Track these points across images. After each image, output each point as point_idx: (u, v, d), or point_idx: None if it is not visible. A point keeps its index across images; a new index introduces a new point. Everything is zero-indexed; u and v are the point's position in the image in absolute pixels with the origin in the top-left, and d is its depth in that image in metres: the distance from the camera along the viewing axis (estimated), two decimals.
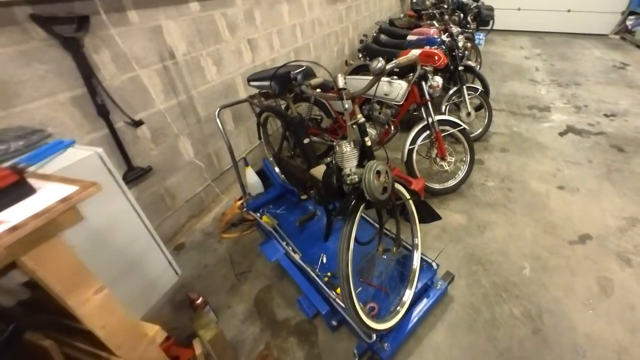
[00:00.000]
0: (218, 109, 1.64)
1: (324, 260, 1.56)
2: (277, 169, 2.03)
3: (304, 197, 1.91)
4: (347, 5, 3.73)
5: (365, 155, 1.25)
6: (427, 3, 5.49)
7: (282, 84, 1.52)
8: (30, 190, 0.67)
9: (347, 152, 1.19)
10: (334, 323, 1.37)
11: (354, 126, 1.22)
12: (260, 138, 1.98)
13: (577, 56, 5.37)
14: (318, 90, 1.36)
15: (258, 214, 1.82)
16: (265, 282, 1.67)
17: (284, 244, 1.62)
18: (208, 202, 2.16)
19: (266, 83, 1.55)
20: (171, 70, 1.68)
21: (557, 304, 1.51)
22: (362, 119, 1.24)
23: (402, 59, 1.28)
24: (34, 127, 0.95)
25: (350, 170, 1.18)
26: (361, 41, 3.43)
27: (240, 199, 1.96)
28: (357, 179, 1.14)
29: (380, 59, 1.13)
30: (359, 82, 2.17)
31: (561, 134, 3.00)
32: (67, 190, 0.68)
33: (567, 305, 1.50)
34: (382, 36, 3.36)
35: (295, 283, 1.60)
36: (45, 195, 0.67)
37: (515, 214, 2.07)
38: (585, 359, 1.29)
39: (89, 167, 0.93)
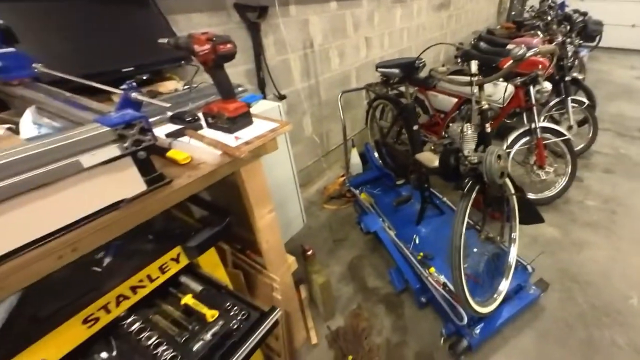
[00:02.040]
0: (341, 93, 1.72)
1: (417, 241, 1.53)
2: (376, 154, 2.05)
3: (399, 182, 1.90)
4: (449, 13, 3.50)
5: (482, 141, 1.19)
6: (526, 15, 4.83)
7: (407, 71, 1.53)
8: (251, 121, 0.81)
9: (469, 134, 1.14)
10: (423, 300, 1.33)
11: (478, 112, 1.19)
12: (366, 123, 2.01)
13: None
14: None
15: (357, 191, 1.87)
16: (358, 252, 1.70)
17: (380, 219, 1.64)
18: (314, 175, 2.26)
19: (393, 70, 1.58)
20: (309, 57, 1.80)
21: None
22: (487, 105, 1.19)
23: (543, 48, 1.16)
24: (236, 82, 1.13)
25: (470, 152, 1.14)
26: (457, 48, 3.19)
27: (342, 175, 2.04)
28: (476, 160, 1.09)
29: (523, 45, 1.06)
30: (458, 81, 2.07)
31: None
32: (272, 124, 0.80)
33: None
34: (482, 44, 3.07)
35: (384, 257, 1.61)
36: (259, 127, 0.80)
37: (621, 239, 1.73)
38: None
39: (273, 115, 1.07)
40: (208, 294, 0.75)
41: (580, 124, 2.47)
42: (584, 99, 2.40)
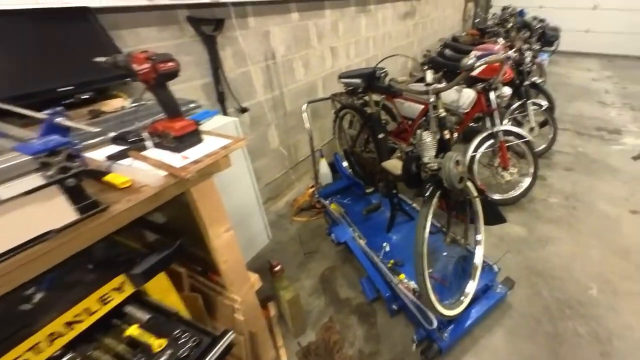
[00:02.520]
0: (305, 104, 1.77)
1: (387, 249, 1.58)
2: (345, 163, 2.11)
3: (369, 190, 1.96)
4: (415, 21, 3.73)
5: (442, 147, 1.28)
6: (490, 22, 5.25)
7: (369, 81, 1.62)
8: (200, 139, 0.83)
9: (428, 141, 1.22)
10: (395, 307, 1.38)
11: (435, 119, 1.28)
12: (334, 133, 2.08)
13: None
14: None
15: (327, 202, 1.91)
16: (330, 263, 1.73)
17: (350, 229, 1.68)
18: (283, 188, 2.29)
19: (355, 80, 1.66)
20: (271, 68, 1.85)
21: (630, 330, 1.35)
22: (444, 113, 1.28)
23: (491, 58, 1.29)
24: (188, 98, 1.14)
25: (430, 158, 1.22)
26: (424, 55, 3.40)
27: (312, 187, 2.07)
28: (436, 167, 1.17)
29: (472, 55, 1.17)
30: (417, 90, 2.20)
31: (635, 158, 2.66)
32: (224, 141, 0.82)
33: None
34: (447, 51, 3.29)
35: (356, 267, 1.65)
36: (209, 144, 0.82)
37: (581, 234, 1.89)
38: None
39: (228, 131, 1.09)
40: (156, 323, 0.74)
41: (542, 125, 2.70)
42: (544, 102, 2.63)
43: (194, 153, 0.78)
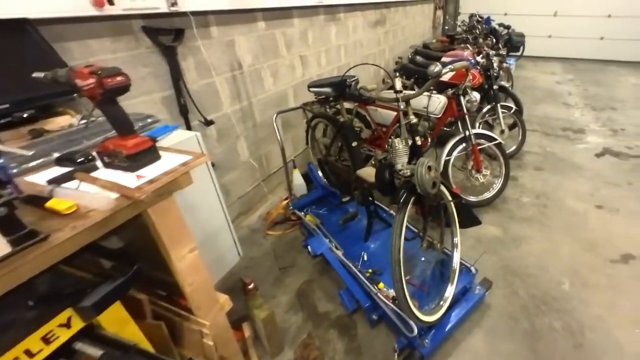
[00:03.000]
0: (275, 114, 1.79)
1: (365, 258, 1.61)
2: (320, 173, 2.14)
3: (345, 199, 1.99)
4: (385, 29, 3.92)
5: (414, 153, 1.34)
6: (459, 29, 5.63)
7: (339, 90, 1.66)
8: (157, 157, 0.82)
9: (400, 149, 1.27)
10: (375, 317, 1.40)
11: (407, 126, 1.33)
12: (307, 143, 2.11)
13: (612, 82, 5.20)
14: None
15: (302, 213, 1.92)
16: (307, 277, 1.73)
17: (327, 240, 1.69)
18: (255, 201, 2.28)
19: (325, 89, 1.70)
20: (238, 79, 1.87)
21: (600, 321, 1.45)
22: (415, 120, 1.34)
23: (456, 64, 1.38)
24: (145, 113, 1.12)
25: (402, 165, 1.27)
26: (396, 62, 3.57)
27: (286, 199, 2.08)
28: (409, 173, 1.22)
29: (438, 63, 1.24)
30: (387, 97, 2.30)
31: (597, 156, 2.92)
32: (184, 158, 0.82)
33: (611, 323, 1.44)
34: (418, 57, 3.48)
35: (335, 279, 1.66)
36: (168, 161, 0.81)
37: (552, 230, 2.03)
38: None
39: (189, 147, 1.08)
40: (111, 358, 0.71)
41: (511, 127, 2.90)
42: (512, 105, 2.83)
43: (150, 172, 0.77)
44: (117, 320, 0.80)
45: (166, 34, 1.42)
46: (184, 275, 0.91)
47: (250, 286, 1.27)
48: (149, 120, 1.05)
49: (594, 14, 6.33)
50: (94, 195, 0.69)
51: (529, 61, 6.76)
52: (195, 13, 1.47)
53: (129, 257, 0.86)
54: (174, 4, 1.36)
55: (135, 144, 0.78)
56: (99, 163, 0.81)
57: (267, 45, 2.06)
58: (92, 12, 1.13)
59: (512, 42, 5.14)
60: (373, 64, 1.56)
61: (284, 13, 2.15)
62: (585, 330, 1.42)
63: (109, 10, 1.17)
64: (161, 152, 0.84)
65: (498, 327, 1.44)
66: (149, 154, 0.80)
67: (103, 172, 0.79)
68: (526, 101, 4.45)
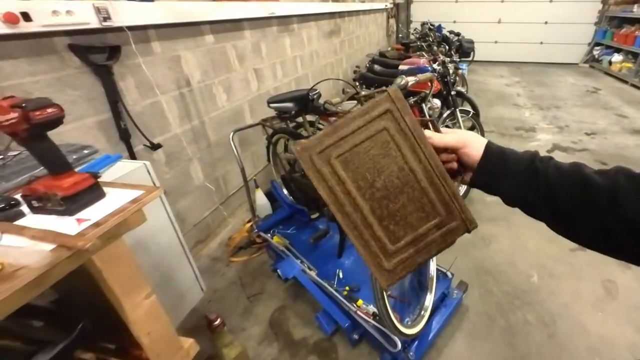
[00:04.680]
0: (232, 133, 1.79)
1: (341, 276, 1.64)
2: (285, 191, 2.16)
3: (314, 216, 2.02)
4: (340, 39, 4.14)
5: None
6: (412, 37, 6.14)
7: (301, 104, 1.72)
8: (101, 194, 0.78)
9: None
10: (356, 337, 1.42)
11: None
12: (269, 160, 2.12)
13: (554, 83, 6.02)
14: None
15: (269, 235, 1.91)
16: (279, 303, 1.72)
17: (298, 262, 1.70)
18: (214, 227, 2.22)
19: (286, 104, 1.74)
20: (187, 97, 1.85)
21: (567, 308, 1.63)
22: None
23: (422, 76, 1.51)
24: (80, 144, 1.06)
25: None
26: (354, 72, 3.77)
27: (249, 221, 2.05)
28: None
29: (404, 75, 1.36)
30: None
31: (549, 152, 3.33)
32: (134, 193, 0.79)
33: (577, 309, 1.63)
34: (376, 66, 3.72)
35: (310, 302, 1.67)
36: (115, 198, 0.78)
37: (517, 227, 2.25)
38: (601, 359, 1.40)
39: (138, 178, 1.04)
40: None
41: (470, 130, 3.19)
42: (469, 109, 3.12)
43: (93, 213, 0.73)
44: None
45: (99, 52, 1.37)
46: (139, 325, 0.86)
47: (216, 322, 1.23)
48: (86, 151, 1.00)
49: (533, 21, 7.38)
50: (23, 249, 0.64)
51: (480, 66, 7.56)
52: (132, 28, 1.44)
53: (69, 314, 0.79)
54: (107, 18, 1.33)
55: (73, 184, 0.73)
56: (25, 208, 0.75)
57: (218, 59, 2.07)
58: (3, 29, 1.05)
59: (463, 48, 5.74)
60: (337, 79, 1.65)
61: (234, 25, 2.19)
62: (556, 319, 1.58)
63: (24, 27, 1.09)
64: (105, 189, 0.81)
65: (477, 328, 1.55)
66: (91, 193, 0.76)
67: (32, 219, 0.73)
68: (481, 104, 4.92)
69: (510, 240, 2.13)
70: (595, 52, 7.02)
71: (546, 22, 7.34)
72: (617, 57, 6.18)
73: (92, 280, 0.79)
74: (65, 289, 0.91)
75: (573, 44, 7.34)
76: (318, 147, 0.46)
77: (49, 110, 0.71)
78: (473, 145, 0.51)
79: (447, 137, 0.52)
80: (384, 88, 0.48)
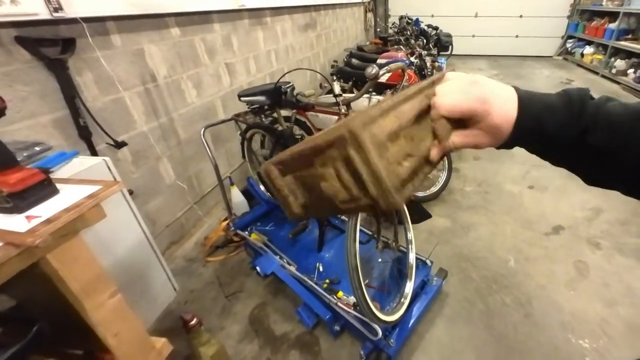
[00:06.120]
0: (203, 129, 1.78)
1: (321, 269, 1.66)
2: (262, 187, 2.16)
3: None
4: (317, 33, 4.17)
5: None
6: (390, 31, 6.25)
7: (273, 97, 1.72)
8: (54, 190, 0.76)
9: None
10: (337, 328, 1.45)
11: None
12: (244, 157, 2.11)
13: (530, 75, 6.28)
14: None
15: (246, 233, 1.90)
16: (258, 300, 1.72)
17: (277, 257, 1.70)
18: (189, 227, 2.19)
19: (258, 98, 1.74)
20: (153, 92, 1.81)
21: (542, 289, 1.72)
22: None
23: (393, 66, 1.55)
24: (32, 140, 1.02)
25: None
26: (332, 66, 3.81)
27: (225, 219, 2.04)
28: None
29: (374, 65, 1.39)
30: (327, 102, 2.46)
31: None
32: (91, 189, 0.78)
33: (551, 289, 1.72)
34: (354, 60, 3.77)
35: (290, 297, 1.68)
36: (70, 195, 0.76)
37: (495, 214, 2.34)
38: (574, 334, 1.48)
39: (97, 175, 1.01)
40: None
41: None
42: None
43: (45, 210, 0.72)
44: None
45: (51, 45, 1.32)
46: (105, 326, 0.85)
47: (192, 322, 1.22)
48: (37, 148, 0.97)
49: (509, 15, 7.67)
50: None
51: (458, 59, 7.79)
52: (88, 19, 1.41)
53: (25, 317, 0.77)
54: (58, 9, 1.28)
55: (20, 179, 0.72)
56: None
57: (185, 53, 2.04)
58: None
59: (441, 42, 5.91)
60: (308, 69, 1.67)
61: (202, 18, 2.16)
62: (532, 300, 1.66)
63: None
64: (59, 185, 0.79)
65: (457, 313, 1.61)
66: (42, 189, 0.75)
67: None
68: None
69: (488, 228, 2.22)
70: (568, 45, 7.38)
71: (521, 16, 7.64)
72: (588, 49, 6.52)
73: (52, 283, 0.77)
74: (24, 294, 0.89)
75: (547, 37, 7.68)
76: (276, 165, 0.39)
77: None
78: (502, 112, 0.37)
79: (461, 105, 0.37)
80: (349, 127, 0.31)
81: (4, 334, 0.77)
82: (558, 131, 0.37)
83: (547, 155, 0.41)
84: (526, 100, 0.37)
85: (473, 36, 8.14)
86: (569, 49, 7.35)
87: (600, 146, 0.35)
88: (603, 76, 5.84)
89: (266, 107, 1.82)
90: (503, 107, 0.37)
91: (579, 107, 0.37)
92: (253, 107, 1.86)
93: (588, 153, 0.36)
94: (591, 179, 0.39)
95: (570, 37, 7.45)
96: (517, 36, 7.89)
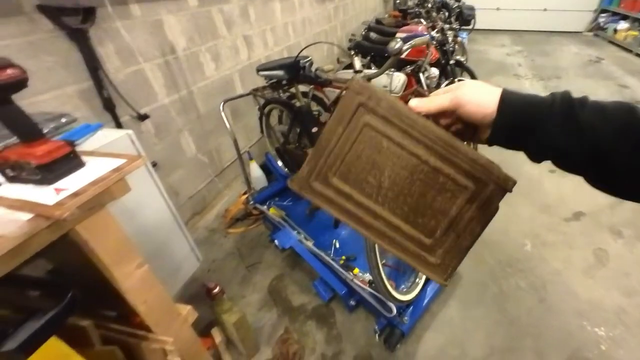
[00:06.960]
0: (222, 103, 1.71)
1: (337, 246, 1.65)
2: (279, 163, 2.11)
3: None
4: (335, 4, 3.90)
5: None
6: (410, 3, 5.83)
7: (292, 72, 1.63)
8: (80, 163, 0.74)
9: None
10: (353, 303, 1.45)
11: None
12: (262, 132, 2.06)
13: (556, 52, 5.81)
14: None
15: (265, 207, 1.89)
16: (277, 272, 1.74)
17: (294, 232, 1.69)
18: (210, 199, 2.20)
19: (276, 72, 1.65)
20: (172, 65, 1.74)
21: (558, 275, 1.67)
22: None
23: (418, 40, 1.42)
24: (59, 111, 0.99)
25: None
26: (350, 40, 3.60)
27: (244, 193, 2.03)
28: None
29: (398, 39, 1.27)
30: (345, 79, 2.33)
31: None
32: (116, 162, 0.75)
33: (568, 275, 1.66)
34: (372, 34, 3.54)
35: (307, 271, 1.69)
36: (95, 168, 0.73)
37: (512, 196, 2.18)
38: (589, 321, 1.44)
39: (121, 148, 0.99)
40: None
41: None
42: (469, 79, 3.02)
43: (72, 183, 0.69)
44: (55, 358, 0.73)
45: (72, 14, 1.26)
46: (134, 294, 0.85)
47: (215, 290, 1.24)
48: (63, 120, 0.94)
49: None
50: None
51: (480, 34, 7.26)
52: None
53: (61, 283, 0.78)
54: None
55: (47, 152, 0.69)
56: (0, 178, 0.71)
57: (203, 24, 1.94)
58: None
59: (464, 16, 5.47)
60: (328, 42, 1.55)
61: None
62: (547, 285, 1.61)
63: None
64: (85, 158, 0.76)
65: (470, 295, 1.59)
66: (68, 162, 0.72)
67: (8, 189, 0.69)
68: (480, 74, 4.78)
69: (504, 210, 2.06)
70: (601, 20, 6.73)
71: None
72: (622, 25, 5.93)
73: (83, 252, 0.77)
74: (60, 259, 0.90)
75: (578, 11, 7.01)
76: (312, 174, 0.44)
77: (9, 71, 0.64)
78: (473, 100, 0.42)
79: (437, 100, 0.44)
80: (347, 85, 0.41)
81: (41, 298, 0.79)
82: (544, 116, 0.39)
83: (539, 151, 0.43)
84: (508, 93, 0.42)
85: (497, 9, 7.52)
86: (601, 24, 6.71)
87: (589, 121, 0.37)
88: (637, 54, 5.35)
89: (284, 82, 1.74)
90: (478, 104, 0.42)
91: (561, 96, 0.40)
92: (271, 81, 1.78)
93: (576, 134, 0.38)
94: (591, 178, 0.41)
95: (603, 10, 6.78)
96: (545, 9, 7.24)
